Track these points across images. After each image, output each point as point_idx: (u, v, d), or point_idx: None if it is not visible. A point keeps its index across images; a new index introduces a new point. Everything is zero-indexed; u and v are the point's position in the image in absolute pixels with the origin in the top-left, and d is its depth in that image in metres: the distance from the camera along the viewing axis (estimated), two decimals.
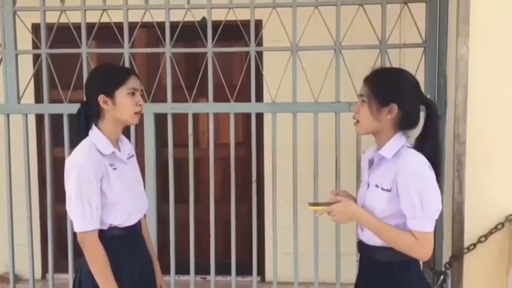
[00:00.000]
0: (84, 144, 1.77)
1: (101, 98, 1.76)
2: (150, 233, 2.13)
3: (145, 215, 2.01)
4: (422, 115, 1.72)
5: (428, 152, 1.65)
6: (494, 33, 2.07)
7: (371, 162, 1.76)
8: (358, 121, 1.72)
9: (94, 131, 1.79)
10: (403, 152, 1.65)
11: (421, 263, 1.73)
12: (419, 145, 1.68)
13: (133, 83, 1.80)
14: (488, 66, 2.07)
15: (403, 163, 1.62)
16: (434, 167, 1.65)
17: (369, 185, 1.74)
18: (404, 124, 1.68)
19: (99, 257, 1.73)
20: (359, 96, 1.73)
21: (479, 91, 2.07)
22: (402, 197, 1.61)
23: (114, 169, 1.78)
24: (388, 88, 1.67)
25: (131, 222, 1.84)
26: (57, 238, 2.63)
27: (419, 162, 1.62)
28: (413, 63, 2.34)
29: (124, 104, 1.77)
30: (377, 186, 1.68)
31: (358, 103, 1.72)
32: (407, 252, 1.63)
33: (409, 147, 1.67)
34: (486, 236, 2.07)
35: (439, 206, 1.63)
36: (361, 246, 1.78)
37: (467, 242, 2.09)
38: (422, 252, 1.63)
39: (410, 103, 1.67)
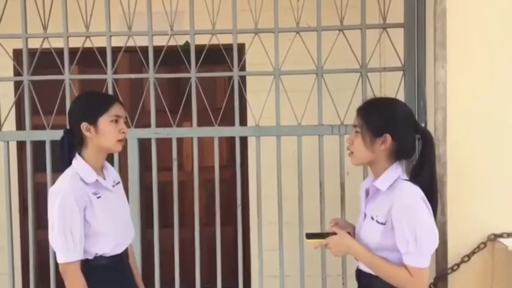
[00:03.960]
0: (67, 174, 1.75)
1: (84, 125, 1.75)
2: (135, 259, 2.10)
3: (131, 243, 1.99)
4: None
5: (425, 183, 1.63)
6: (471, 56, 2.13)
7: (367, 192, 1.75)
8: (352, 152, 1.71)
9: (77, 160, 1.78)
10: (398, 185, 1.63)
11: None
12: (415, 175, 1.66)
13: (116, 110, 1.79)
14: (466, 88, 2.13)
15: (397, 196, 1.60)
16: (431, 197, 1.63)
17: (365, 215, 1.72)
18: (399, 154, 1.67)
19: None
20: (352, 127, 1.72)
21: (458, 113, 2.12)
22: (396, 231, 1.60)
23: (98, 197, 1.76)
24: (381, 119, 1.66)
25: (117, 251, 1.81)
26: (38, 266, 2.58)
27: (414, 196, 1.60)
28: (393, 86, 2.39)
29: (107, 131, 1.76)
30: (372, 218, 1.67)
31: (352, 134, 1.72)
32: (401, 287, 1.61)
33: (405, 179, 1.65)
34: (469, 256, 2.09)
35: (435, 240, 1.61)
36: (359, 274, 1.76)
37: (450, 262, 2.11)
38: (416, 287, 1.60)
39: (404, 133, 1.66)
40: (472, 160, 2.13)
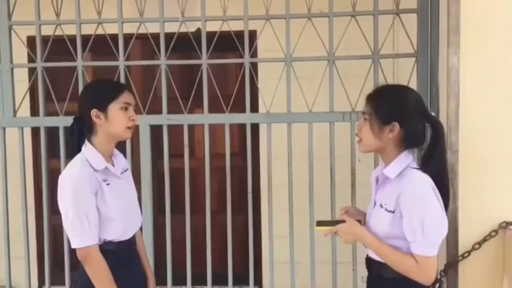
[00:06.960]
0: (76, 160, 1.77)
1: (94, 112, 1.76)
2: (146, 245, 2.12)
3: (141, 230, 2.01)
4: None
5: (434, 171, 1.62)
6: (484, 43, 2.10)
7: (378, 180, 1.74)
8: (360, 139, 1.71)
9: (87, 147, 1.79)
10: (408, 173, 1.62)
11: None
12: (425, 164, 1.64)
13: (126, 97, 1.80)
14: (479, 75, 2.10)
15: (406, 185, 1.60)
16: (441, 186, 1.62)
17: (375, 203, 1.72)
18: (408, 142, 1.66)
19: (104, 271, 1.72)
20: (362, 114, 1.72)
21: (470, 100, 2.10)
22: (404, 219, 1.60)
23: (108, 184, 1.77)
24: (390, 106, 1.65)
25: (125, 237, 1.83)
26: (53, 250, 2.63)
27: (423, 184, 1.59)
28: (406, 72, 2.37)
29: (116, 118, 1.77)
30: (381, 206, 1.67)
31: (361, 121, 1.71)
32: (409, 276, 1.61)
33: (415, 167, 1.64)
34: (480, 244, 2.08)
35: (443, 230, 1.60)
36: (368, 261, 1.76)
37: (461, 250, 2.10)
38: (423, 276, 1.60)
39: (413, 121, 1.65)
40: (484, 148, 2.11)
